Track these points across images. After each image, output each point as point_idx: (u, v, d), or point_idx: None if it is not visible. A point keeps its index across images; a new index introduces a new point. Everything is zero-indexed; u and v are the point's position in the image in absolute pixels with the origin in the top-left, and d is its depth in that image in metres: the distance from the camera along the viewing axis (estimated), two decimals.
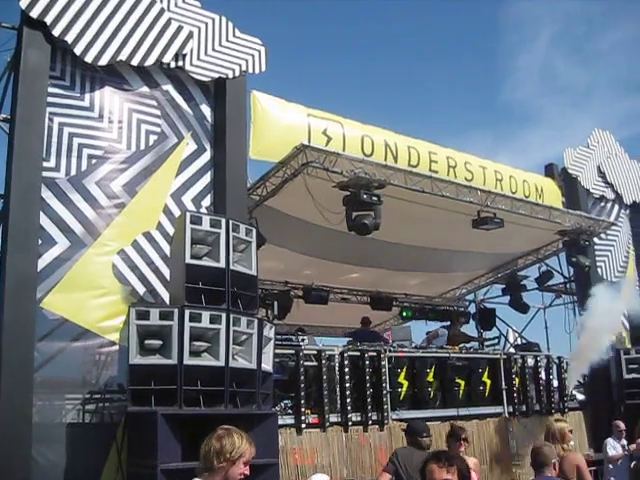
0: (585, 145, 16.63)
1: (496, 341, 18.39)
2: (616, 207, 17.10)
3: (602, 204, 16.80)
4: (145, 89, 9.14)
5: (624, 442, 11.44)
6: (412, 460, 7.13)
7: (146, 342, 7.37)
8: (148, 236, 8.61)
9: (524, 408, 13.74)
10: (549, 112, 68.01)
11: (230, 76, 9.66)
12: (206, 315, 7.46)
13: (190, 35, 9.33)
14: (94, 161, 8.46)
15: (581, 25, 60.93)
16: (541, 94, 67.50)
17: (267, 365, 8.17)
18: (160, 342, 7.40)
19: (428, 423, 11.43)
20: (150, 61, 8.93)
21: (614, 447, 11.39)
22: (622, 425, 11.64)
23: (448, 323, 17.77)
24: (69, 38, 8.27)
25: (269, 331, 8.31)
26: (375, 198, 10.51)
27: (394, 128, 12.93)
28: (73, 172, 8.27)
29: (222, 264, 7.73)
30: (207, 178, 9.40)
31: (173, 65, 9.22)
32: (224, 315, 7.54)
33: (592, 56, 60.13)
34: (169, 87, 9.35)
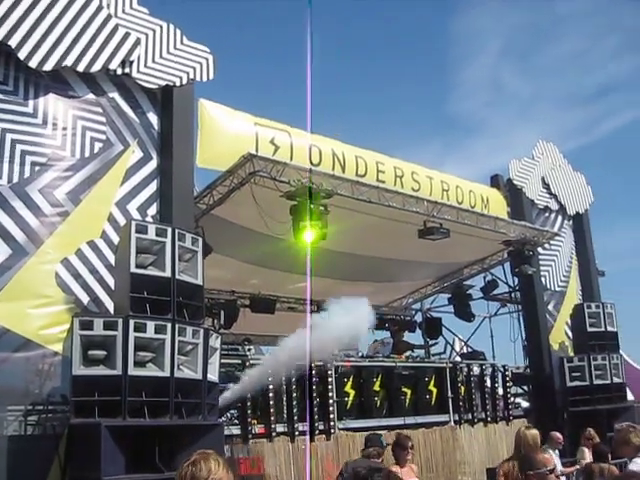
0: (530, 156, 16.86)
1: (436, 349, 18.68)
2: (560, 218, 17.37)
3: (546, 215, 17.05)
4: (91, 96, 9.02)
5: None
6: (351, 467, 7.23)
7: (90, 352, 7.25)
8: (92, 245, 8.49)
9: (470, 416, 13.90)
10: (495, 123, 68.96)
11: (177, 84, 9.59)
12: (151, 325, 7.36)
13: (137, 42, 9.23)
14: (37, 168, 8.31)
15: (526, 38, 61.87)
16: (488, 105, 68.39)
17: (213, 375, 8.10)
18: (104, 352, 7.29)
19: (375, 432, 11.59)
20: (96, 67, 8.81)
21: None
22: (560, 437, 11.73)
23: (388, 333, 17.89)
24: (13, 42, 8.12)
25: (215, 341, 8.24)
26: (322, 208, 10.52)
27: (342, 138, 12.97)
28: (15, 179, 8.11)
29: (168, 273, 7.65)
30: (153, 186, 9.32)
31: (120, 72, 9.10)
32: (169, 325, 7.46)
33: (537, 69, 61.12)
34: (115, 94, 9.24)
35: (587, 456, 10.73)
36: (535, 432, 7.20)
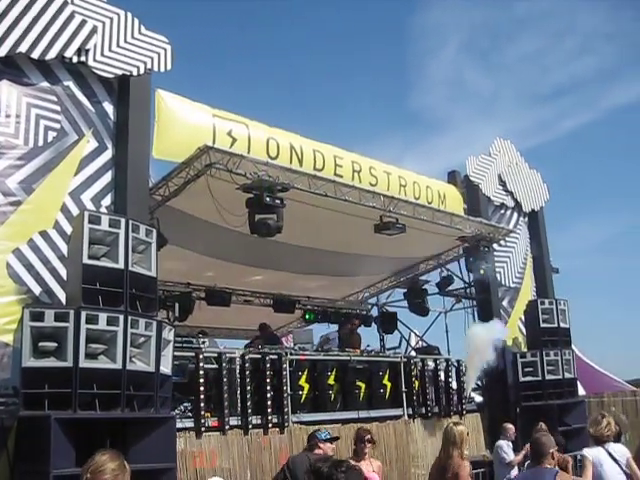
0: (487, 153, 16.97)
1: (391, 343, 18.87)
2: (515, 215, 17.52)
3: (502, 211, 17.19)
4: (45, 84, 8.86)
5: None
6: (303, 465, 7.16)
7: (40, 344, 7.16)
8: (45, 235, 8.36)
9: (423, 410, 14.00)
10: (456, 119, 69.50)
11: (135, 73, 9.46)
12: (103, 317, 7.30)
13: (94, 30, 9.09)
14: None
15: (487, 36, 62.41)
16: (448, 101, 68.89)
17: (166, 368, 8.05)
18: (55, 344, 7.21)
19: (328, 426, 11.60)
20: (51, 55, 8.67)
21: (508, 451, 11.61)
22: (512, 428, 11.91)
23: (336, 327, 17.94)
24: None
25: (168, 333, 8.19)
26: (278, 201, 10.49)
27: (303, 132, 12.96)
28: None
29: (121, 265, 7.59)
30: (108, 177, 9.20)
31: (75, 60, 8.94)
32: (122, 317, 7.41)
33: (498, 66, 61.71)
34: (71, 83, 9.09)
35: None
36: (462, 428, 7.29)
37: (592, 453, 7.02)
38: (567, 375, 14.73)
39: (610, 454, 6.88)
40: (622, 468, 6.85)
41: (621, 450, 7.12)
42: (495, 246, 16.12)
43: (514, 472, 11.20)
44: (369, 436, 8.16)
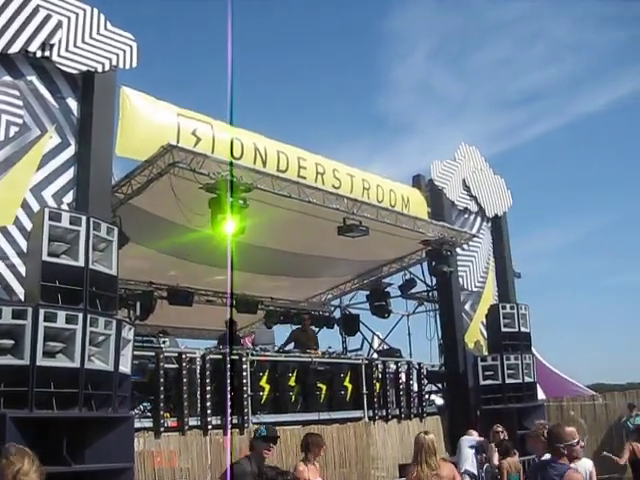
0: (452, 158, 17.07)
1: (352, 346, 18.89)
2: (479, 219, 17.65)
3: (466, 216, 17.31)
4: (8, 78, 8.75)
5: None
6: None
7: None
8: (4, 231, 8.28)
9: (384, 412, 14.03)
10: (424, 123, 70.01)
11: (99, 70, 9.38)
12: (62, 315, 7.24)
13: (59, 25, 9.00)
14: None
15: (456, 42, 62.98)
16: (417, 105, 69.38)
17: (125, 367, 8.01)
18: (12, 342, 7.13)
19: (288, 427, 11.61)
20: (14, 49, 8.57)
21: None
22: (476, 434, 11.97)
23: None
24: None
25: (128, 332, 8.15)
26: (241, 201, 10.45)
27: (269, 134, 12.96)
28: None
29: (81, 263, 7.54)
30: (70, 174, 9.12)
31: (40, 55, 8.85)
32: (81, 315, 7.36)
33: (466, 72, 62.27)
34: (34, 78, 8.99)
35: (495, 452, 10.99)
36: (432, 437, 7.23)
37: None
38: (527, 379, 14.89)
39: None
40: None
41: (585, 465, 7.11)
42: (458, 250, 16.24)
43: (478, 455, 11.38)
44: (315, 441, 8.13)
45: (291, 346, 15.10)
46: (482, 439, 11.59)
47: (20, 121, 8.75)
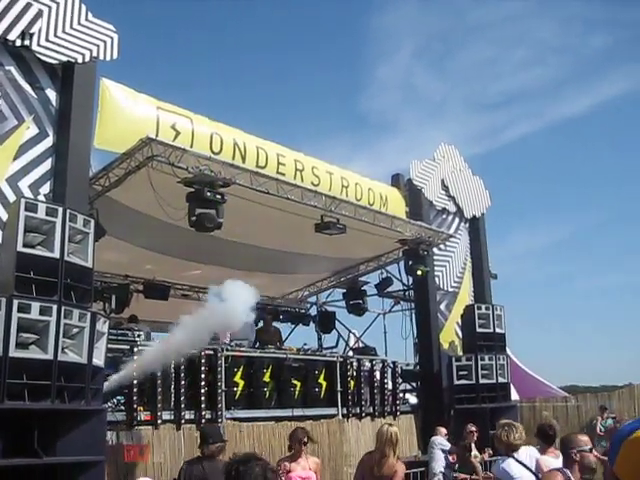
0: (431, 158, 17.11)
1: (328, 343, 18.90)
2: (457, 220, 17.72)
3: (444, 216, 17.37)
4: None
5: None
6: (192, 471, 7.10)
7: None
8: None
9: (358, 410, 14.07)
10: (405, 122, 70.24)
11: (80, 61, 9.32)
12: (36, 306, 7.20)
13: (39, 14, 8.93)
14: None
15: (440, 43, 63.22)
16: (399, 104, 69.66)
17: (99, 360, 7.98)
18: None
19: (262, 423, 11.61)
20: None
21: (443, 442, 11.72)
22: (444, 431, 12.00)
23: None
24: None
25: (102, 325, 8.12)
26: (219, 196, 10.42)
27: (250, 130, 12.96)
28: None
29: (56, 254, 7.50)
30: (47, 164, 9.05)
31: (19, 44, 8.77)
32: (55, 307, 7.32)
33: (448, 73, 62.56)
34: (12, 67, 8.90)
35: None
36: (396, 429, 7.34)
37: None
38: (500, 379, 14.98)
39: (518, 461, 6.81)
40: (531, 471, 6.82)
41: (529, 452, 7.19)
42: (435, 250, 16.27)
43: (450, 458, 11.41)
44: (306, 438, 8.10)
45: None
46: (453, 446, 11.62)
47: None
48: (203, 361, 11.24)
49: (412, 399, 16.73)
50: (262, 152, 12.66)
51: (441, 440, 11.56)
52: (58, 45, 9.13)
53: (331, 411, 13.68)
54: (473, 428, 11.47)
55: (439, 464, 11.36)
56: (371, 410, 14.44)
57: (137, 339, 10.77)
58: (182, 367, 10.95)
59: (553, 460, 6.77)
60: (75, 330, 7.64)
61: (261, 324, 16.52)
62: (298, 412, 12.86)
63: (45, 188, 8.97)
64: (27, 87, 9.04)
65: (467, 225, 18.12)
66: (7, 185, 8.56)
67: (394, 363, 15.56)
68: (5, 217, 8.25)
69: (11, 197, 8.45)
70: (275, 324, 18.18)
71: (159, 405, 10.52)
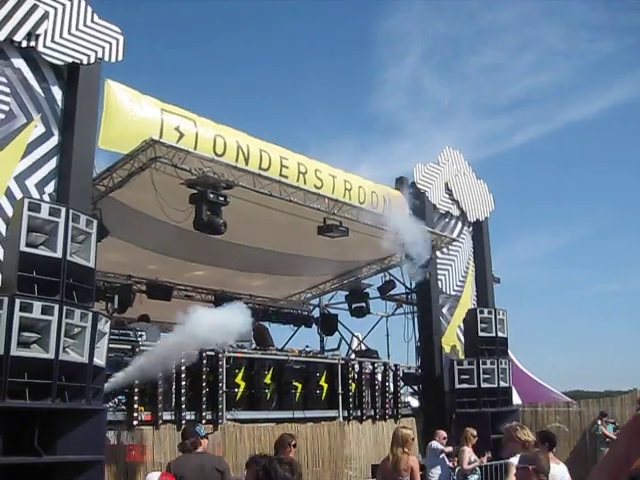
0: (435, 162, 17.12)
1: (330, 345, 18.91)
2: (460, 224, 17.74)
3: (447, 220, 17.39)
4: None
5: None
6: (188, 465, 7.16)
7: None
8: None
9: (359, 413, 14.08)
10: (413, 126, 70.29)
11: (85, 62, 9.37)
12: (38, 305, 7.23)
13: (45, 15, 8.99)
14: None
15: (449, 47, 63.28)
16: (406, 108, 69.71)
17: (100, 360, 8.00)
18: None
19: (262, 425, 11.64)
20: (0, 37, 8.55)
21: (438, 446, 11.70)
22: (444, 433, 11.97)
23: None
24: None
25: (104, 325, 8.14)
26: (222, 198, 10.47)
27: (254, 133, 13.01)
28: None
29: (59, 254, 7.52)
30: (52, 164, 9.11)
31: (25, 45, 8.83)
32: (57, 306, 7.34)
33: (457, 76, 62.61)
34: (22, 65, 8.96)
35: (467, 455, 11.04)
36: (406, 432, 7.98)
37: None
38: (502, 384, 15.00)
39: None
40: None
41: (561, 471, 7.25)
42: (438, 253, 16.29)
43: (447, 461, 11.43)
44: (294, 442, 8.19)
45: None
46: (450, 449, 11.62)
47: (7, 108, 8.73)
48: (204, 362, 11.28)
49: (413, 402, 16.74)
50: (265, 154, 12.66)
51: (437, 445, 11.54)
52: (64, 46, 9.19)
53: (332, 413, 13.70)
54: (474, 432, 11.44)
55: (435, 470, 11.37)
56: (372, 413, 14.45)
57: (139, 339, 10.78)
58: (183, 368, 10.97)
59: (554, 465, 6.80)
60: (76, 330, 7.67)
61: None
62: (299, 414, 12.88)
63: (50, 187, 9.02)
64: (35, 86, 9.10)
65: (470, 229, 18.14)
66: (15, 183, 8.62)
67: (396, 366, 15.57)
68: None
69: (18, 195, 8.48)
70: (276, 325, 18.29)
71: (160, 405, 10.55)
